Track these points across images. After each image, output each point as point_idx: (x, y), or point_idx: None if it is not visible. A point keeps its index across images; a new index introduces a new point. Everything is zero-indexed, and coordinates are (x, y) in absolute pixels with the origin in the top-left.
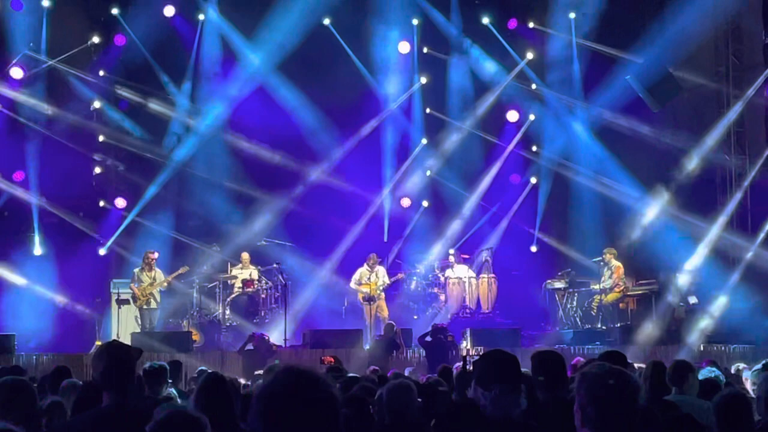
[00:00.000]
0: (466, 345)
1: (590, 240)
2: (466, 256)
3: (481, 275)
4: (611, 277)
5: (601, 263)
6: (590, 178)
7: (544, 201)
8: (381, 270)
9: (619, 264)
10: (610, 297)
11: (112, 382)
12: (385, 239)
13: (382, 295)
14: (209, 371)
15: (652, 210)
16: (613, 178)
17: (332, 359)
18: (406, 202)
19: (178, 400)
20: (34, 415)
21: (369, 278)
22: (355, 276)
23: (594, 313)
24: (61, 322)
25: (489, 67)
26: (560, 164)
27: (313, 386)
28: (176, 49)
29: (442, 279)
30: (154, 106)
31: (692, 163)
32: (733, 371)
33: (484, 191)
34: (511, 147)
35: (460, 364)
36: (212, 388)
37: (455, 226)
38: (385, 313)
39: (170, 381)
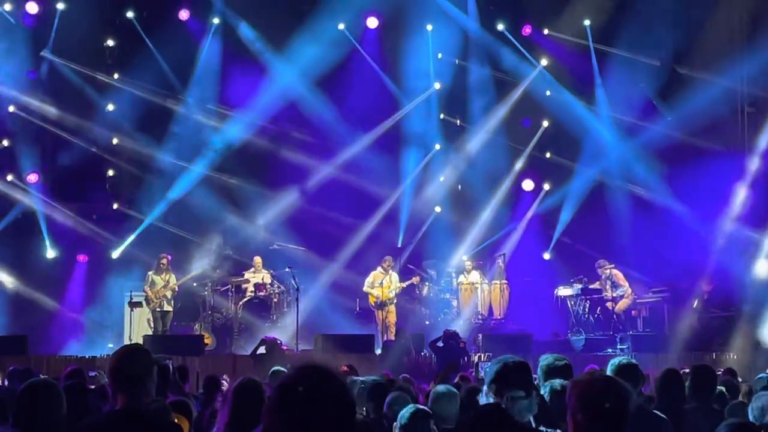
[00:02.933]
0: (477, 351)
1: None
2: (480, 262)
3: (493, 281)
4: (614, 286)
5: (604, 279)
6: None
7: (571, 208)
8: (395, 275)
9: (616, 271)
10: (622, 304)
11: (127, 385)
12: (399, 244)
13: (394, 300)
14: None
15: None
16: (651, 187)
17: (348, 368)
18: (423, 206)
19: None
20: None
21: (382, 282)
22: (369, 279)
23: (605, 320)
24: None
25: (505, 72)
26: (583, 171)
27: (330, 382)
28: (190, 52)
29: (455, 284)
30: (163, 104)
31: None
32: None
33: (500, 197)
34: (527, 153)
35: (472, 370)
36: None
37: (469, 232)
38: (393, 319)
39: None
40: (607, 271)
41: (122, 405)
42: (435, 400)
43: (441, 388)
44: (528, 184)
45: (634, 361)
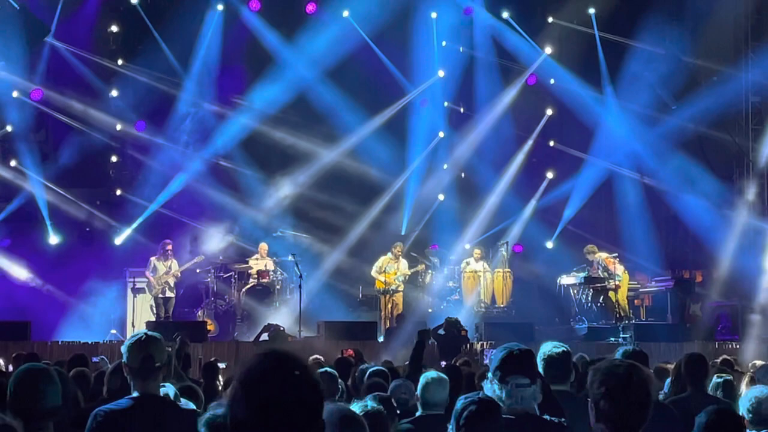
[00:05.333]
0: (480, 339)
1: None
2: (483, 250)
3: (496, 269)
4: (607, 271)
5: (596, 265)
6: (635, 178)
7: (580, 197)
8: (404, 262)
9: (605, 255)
10: (623, 292)
11: (147, 373)
12: (403, 232)
13: (401, 287)
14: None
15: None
16: (658, 177)
17: (353, 352)
18: (427, 194)
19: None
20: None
21: (386, 269)
22: (378, 263)
23: (608, 309)
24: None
25: (510, 59)
26: (590, 160)
27: (297, 369)
28: (194, 38)
29: (458, 272)
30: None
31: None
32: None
33: (504, 186)
34: (531, 141)
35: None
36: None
37: (473, 220)
38: (400, 307)
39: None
40: (596, 257)
41: (142, 391)
42: (425, 386)
43: (432, 374)
44: (545, 173)
45: (640, 350)
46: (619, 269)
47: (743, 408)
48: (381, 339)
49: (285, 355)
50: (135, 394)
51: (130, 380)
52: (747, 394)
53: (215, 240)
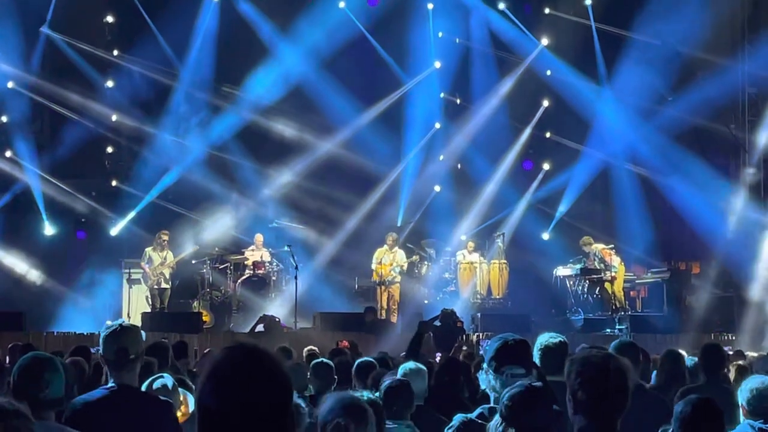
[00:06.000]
0: (476, 331)
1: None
2: (479, 242)
3: (492, 261)
4: (603, 262)
5: (592, 256)
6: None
7: (576, 188)
8: (399, 253)
9: (601, 246)
10: (619, 284)
11: (122, 364)
12: (399, 223)
13: (398, 278)
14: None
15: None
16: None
17: (348, 344)
18: (423, 185)
19: (179, 389)
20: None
21: (382, 260)
22: (375, 255)
23: (604, 300)
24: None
25: (507, 50)
26: (587, 152)
27: (265, 361)
28: (190, 29)
29: (454, 263)
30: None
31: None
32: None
33: (500, 177)
34: (527, 133)
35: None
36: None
37: (469, 212)
38: (396, 298)
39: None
40: (592, 248)
41: (118, 382)
42: (404, 376)
43: (410, 365)
44: (541, 164)
45: (632, 341)
46: (615, 260)
47: (742, 398)
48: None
49: (253, 347)
50: (111, 385)
51: (105, 371)
52: (745, 385)
53: (208, 231)
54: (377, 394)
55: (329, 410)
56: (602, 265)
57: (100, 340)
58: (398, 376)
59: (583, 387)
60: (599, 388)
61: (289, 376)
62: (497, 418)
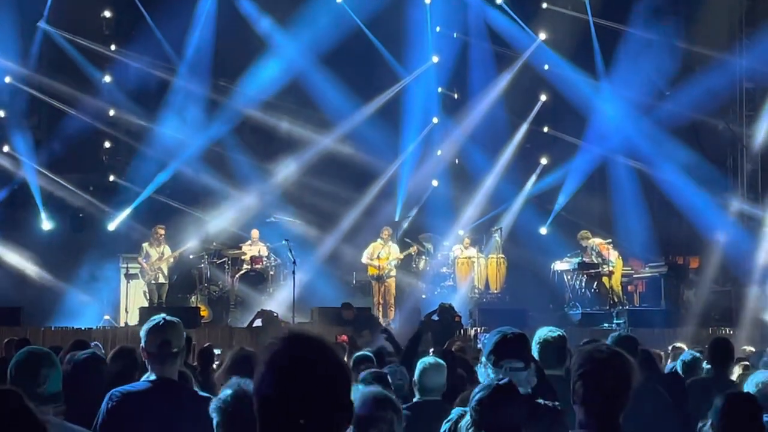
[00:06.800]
0: (474, 325)
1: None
2: (476, 236)
3: (490, 255)
4: (600, 256)
5: (589, 250)
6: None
7: (574, 183)
8: (394, 246)
9: (599, 240)
10: (617, 278)
11: (164, 357)
12: (397, 218)
13: (393, 272)
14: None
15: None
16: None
17: (346, 338)
18: (421, 180)
19: None
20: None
21: (380, 254)
22: (368, 250)
23: (602, 295)
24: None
25: (504, 45)
26: (585, 146)
27: (325, 351)
28: (188, 23)
29: (452, 259)
30: (161, 76)
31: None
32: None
33: (498, 172)
34: (525, 127)
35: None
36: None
37: (467, 206)
38: (392, 292)
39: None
40: (590, 242)
41: (159, 375)
42: (422, 371)
43: (429, 359)
44: (539, 159)
45: (632, 335)
46: (613, 255)
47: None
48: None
49: (310, 337)
50: (152, 377)
51: (147, 364)
52: (752, 379)
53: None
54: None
55: (362, 404)
56: (599, 259)
57: (143, 333)
58: (417, 372)
59: (583, 380)
60: (596, 383)
61: (346, 367)
62: (467, 418)
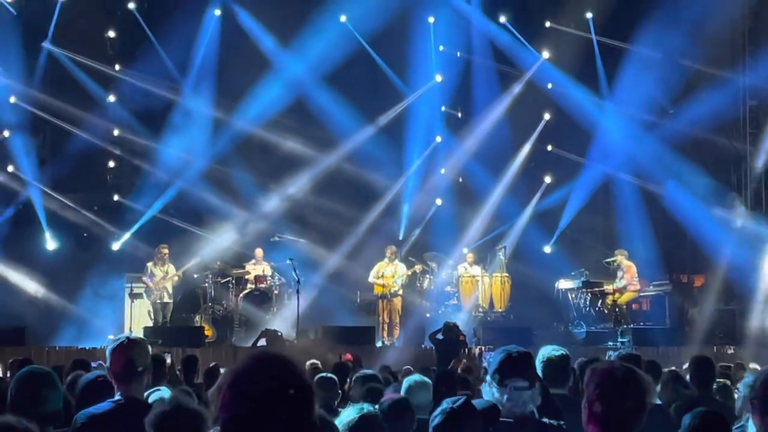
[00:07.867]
0: (478, 344)
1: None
2: (481, 255)
3: (494, 274)
4: (623, 277)
5: (615, 264)
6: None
7: (578, 201)
8: (400, 265)
9: (630, 263)
10: (624, 297)
11: (130, 377)
12: (401, 237)
13: (400, 291)
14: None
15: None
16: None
17: (351, 357)
18: (425, 199)
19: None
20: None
21: (384, 273)
22: (374, 269)
23: (607, 313)
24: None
25: (508, 64)
26: (589, 164)
27: (289, 371)
28: (191, 43)
29: (456, 277)
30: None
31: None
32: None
33: (503, 190)
34: (529, 146)
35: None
36: None
37: (471, 225)
38: (398, 311)
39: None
40: (619, 259)
41: (125, 395)
42: (408, 390)
43: (415, 377)
44: (543, 177)
45: (633, 353)
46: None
47: (744, 389)
48: (379, 344)
49: (275, 354)
50: (117, 398)
51: (114, 384)
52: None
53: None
54: (377, 407)
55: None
56: (623, 279)
57: (107, 353)
58: (402, 390)
59: (601, 399)
60: (617, 402)
61: (310, 385)
62: None
